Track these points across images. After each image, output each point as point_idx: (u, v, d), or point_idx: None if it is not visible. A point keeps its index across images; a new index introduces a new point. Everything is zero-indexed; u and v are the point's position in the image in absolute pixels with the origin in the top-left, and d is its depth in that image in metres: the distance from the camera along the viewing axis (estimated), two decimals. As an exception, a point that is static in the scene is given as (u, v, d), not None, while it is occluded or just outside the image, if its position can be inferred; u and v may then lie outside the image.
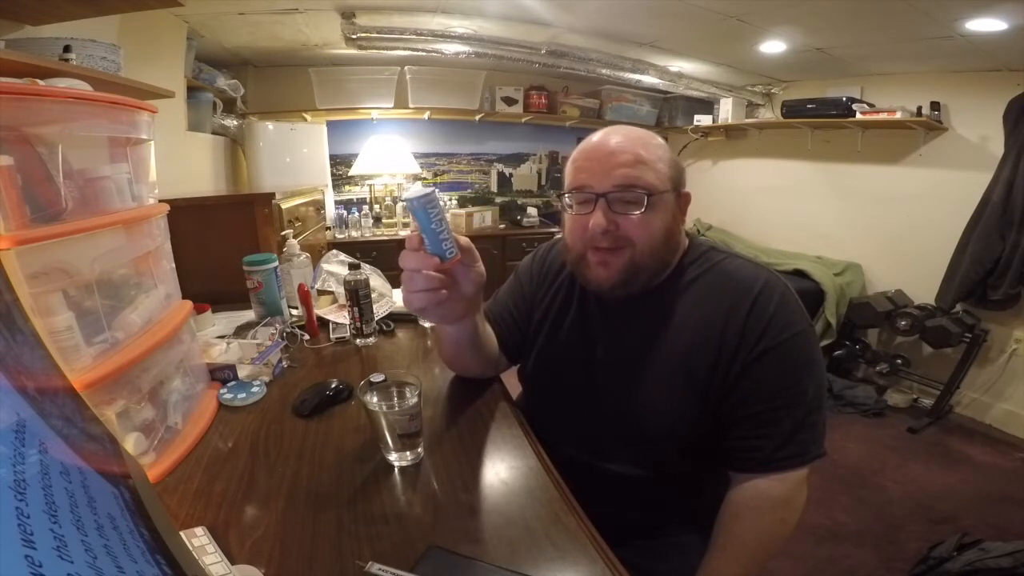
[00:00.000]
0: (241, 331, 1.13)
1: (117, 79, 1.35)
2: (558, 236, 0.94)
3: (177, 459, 0.71)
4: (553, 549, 0.55)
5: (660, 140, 0.76)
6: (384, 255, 2.89)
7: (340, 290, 1.29)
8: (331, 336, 1.17)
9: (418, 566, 0.51)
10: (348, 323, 1.14)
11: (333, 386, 0.88)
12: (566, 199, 0.77)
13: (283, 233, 1.69)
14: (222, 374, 0.94)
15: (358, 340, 1.13)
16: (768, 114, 3.49)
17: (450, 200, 3.73)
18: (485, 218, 3.55)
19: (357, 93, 3.17)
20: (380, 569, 0.50)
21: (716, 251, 0.81)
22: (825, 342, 2.75)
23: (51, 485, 0.25)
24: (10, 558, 0.20)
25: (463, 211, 3.48)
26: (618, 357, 0.80)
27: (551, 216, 3.91)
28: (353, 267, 1.11)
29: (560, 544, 0.56)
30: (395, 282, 0.88)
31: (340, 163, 3.45)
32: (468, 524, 0.59)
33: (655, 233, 0.73)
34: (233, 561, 0.52)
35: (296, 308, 1.27)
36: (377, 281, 1.30)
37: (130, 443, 0.65)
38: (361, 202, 3.52)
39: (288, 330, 1.14)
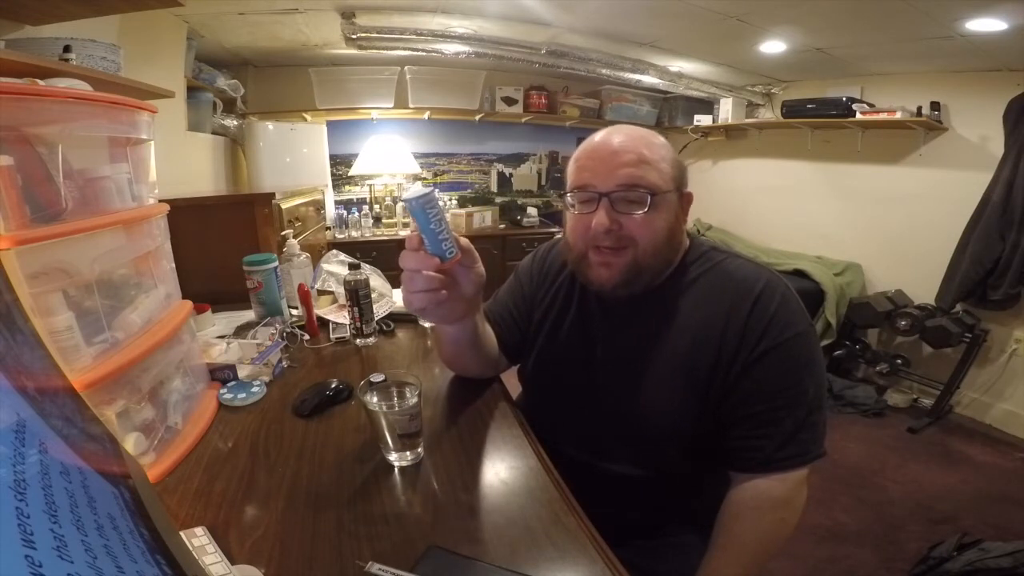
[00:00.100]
0: (241, 331, 1.13)
1: (117, 79, 1.35)
2: (558, 236, 0.94)
3: (177, 459, 0.71)
4: (553, 549, 0.55)
5: (663, 140, 0.76)
6: (384, 255, 2.89)
7: (340, 290, 1.29)
8: (331, 336, 1.17)
9: (418, 566, 0.51)
10: (348, 323, 1.14)
11: (333, 386, 0.88)
12: (568, 198, 0.77)
13: (283, 233, 1.69)
14: (222, 374, 0.94)
15: (358, 340, 1.13)
16: (768, 114, 3.49)
17: (450, 200, 3.73)
18: (485, 218, 3.55)
19: (357, 93, 3.17)
20: (380, 569, 0.50)
21: (717, 251, 0.81)
22: (825, 342, 2.75)
23: (51, 485, 0.25)
24: (10, 558, 0.20)
25: (463, 211, 3.48)
26: (619, 357, 0.80)
27: (551, 216, 3.91)
28: (353, 267, 1.11)
29: (560, 544, 0.56)
30: (395, 282, 0.88)
31: (340, 163, 3.45)
32: (468, 524, 0.59)
33: (658, 233, 0.73)
34: (233, 561, 0.52)
35: (296, 308, 1.27)
36: (377, 281, 1.30)
37: (130, 443, 0.65)
38: (361, 202, 3.52)
39: (288, 330, 1.14)
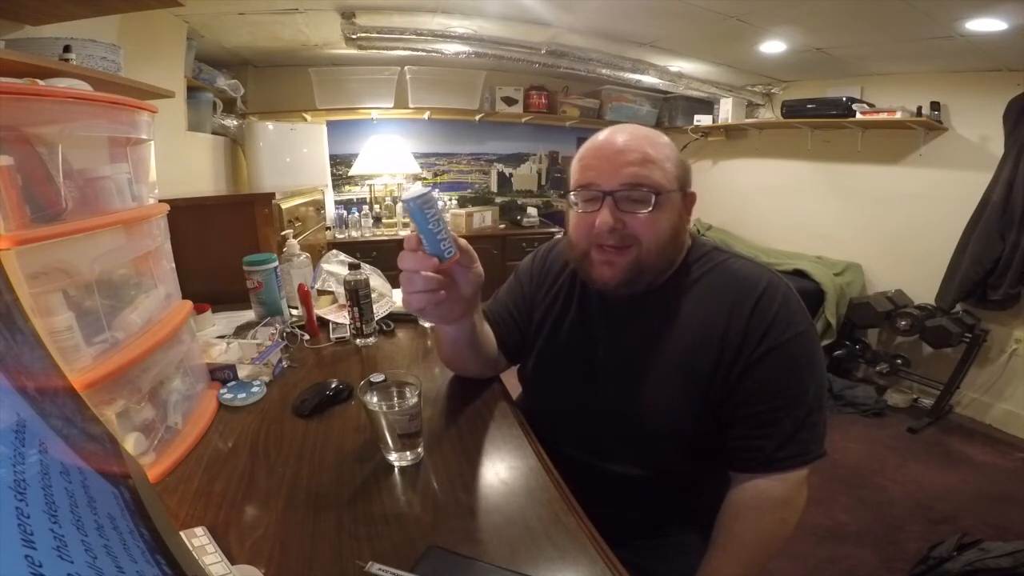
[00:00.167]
0: (241, 331, 1.13)
1: (117, 79, 1.35)
2: (558, 236, 0.94)
3: (177, 459, 0.71)
4: (553, 549, 0.55)
5: (667, 139, 0.76)
6: (384, 255, 2.89)
7: (340, 290, 1.29)
8: (331, 336, 1.17)
9: (418, 566, 0.51)
10: (348, 323, 1.14)
11: (333, 386, 0.88)
12: (572, 197, 0.77)
13: (283, 233, 1.69)
14: (222, 374, 0.94)
15: (358, 340, 1.13)
16: (768, 114, 3.49)
17: (450, 200, 3.73)
18: (485, 218, 3.55)
19: (357, 93, 3.17)
20: (380, 569, 0.50)
21: (719, 251, 0.82)
22: (825, 342, 2.75)
23: (51, 485, 0.25)
24: (10, 558, 0.20)
25: (463, 211, 3.48)
26: (620, 356, 0.80)
27: (551, 216, 3.91)
28: (353, 267, 1.11)
29: (560, 544, 0.56)
30: (395, 282, 0.88)
31: (340, 163, 3.45)
32: (468, 524, 0.59)
33: (661, 232, 0.73)
34: (233, 561, 0.52)
35: (296, 308, 1.27)
36: (377, 281, 1.30)
37: (130, 443, 0.65)
38: (361, 202, 3.52)
39: (288, 330, 1.14)
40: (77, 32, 1.29)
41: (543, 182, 4.06)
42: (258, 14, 2.23)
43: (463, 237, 0.67)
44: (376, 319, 1.17)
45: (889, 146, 2.79)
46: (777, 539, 0.73)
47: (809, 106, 2.89)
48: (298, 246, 1.43)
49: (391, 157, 3.34)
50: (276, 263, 1.20)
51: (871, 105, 2.70)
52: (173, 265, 0.89)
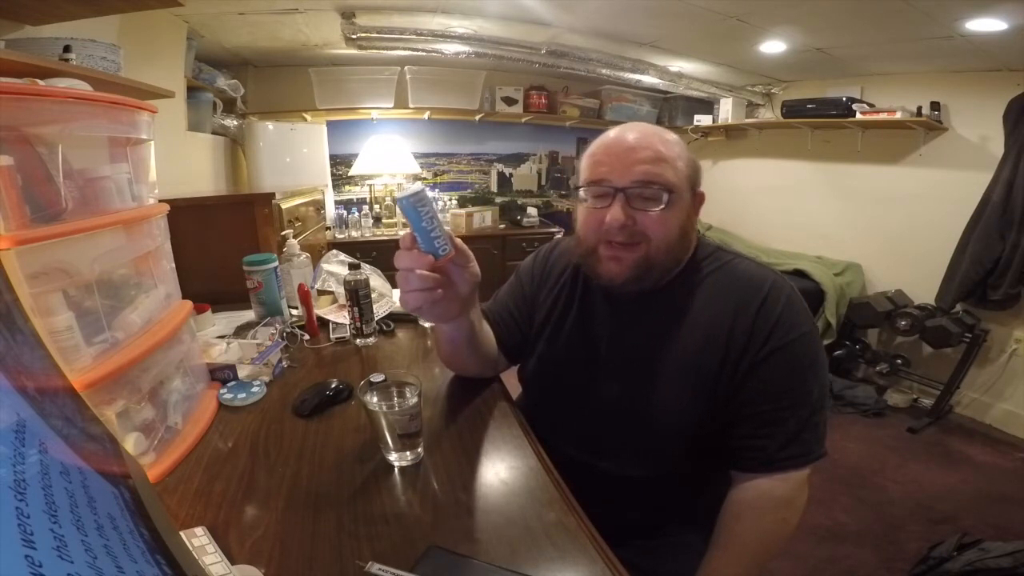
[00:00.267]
0: (241, 331, 1.13)
1: (117, 79, 1.35)
2: (558, 237, 0.94)
3: (177, 459, 0.71)
4: (553, 549, 0.55)
5: (678, 139, 0.76)
6: (384, 255, 2.89)
7: (340, 290, 1.29)
8: (331, 336, 1.17)
9: (418, 566, 0.51)
10: (348, 323, 1.14)
11: (333, 386, 0.88)
12: (581, 192, 0.76)
13: (283, 233, 1.69)
14: (222, 374, 0.94)
15: (358, 340, 1.13)
16: (768, 114, 3.49)
17: (450, 200, 3.73)
18: (485, 218, 3.55)
19: (357, 93, 3.17)
20: (380, 569, 0.50)
21: (724, 251, 0.82)
22: (825, 342, 2.75)
23: (51, 485, 0.25)
24: (10, 558, 0.20)
25: (463, 211, 3.48)
26: (625, 355, 0.80)
27: (551, 216, 3.91)
28: (353, 267, 1.11)
29: (560, 544, 0.56)
30: (395, 282, 0.88)
31: (340, 163, 3.45)
32: (468, 524, 0.59)
33: (671, 231, 0.73)
34: (233, 561, 0.52)
35: (296, 308, 1.27)
36: (377, 281, 1.30)
37: (130, 443, 0.65)
38: (361, 202, 3.52)
39: (288, 330, 1.14)
40: (77, 32, 1.29)
41: (543, 182, 4.06)
42: (258, 14, 2.23)
43: (463, 237, 0.67)
44: (376, 319, 1.17)
45: (889, 146, 2.79)
46: (779, 539, 0.74)
47: (809, 106, 2.89)
48: (298, 246, 1.43)
49: (391, 157, 3.34)
50: (276, 263, 1.20)
51: (871, 105, 2.70)
52: (173, 265, 0.89)
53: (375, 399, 0.70)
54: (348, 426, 0.81)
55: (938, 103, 2.50)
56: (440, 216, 0.64)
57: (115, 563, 0.26)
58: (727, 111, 3.36)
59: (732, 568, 0.72)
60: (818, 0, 1.91)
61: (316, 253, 1.73)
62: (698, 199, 0.77)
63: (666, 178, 0.71)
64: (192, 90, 2.39)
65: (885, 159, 2.83)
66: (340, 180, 3.49)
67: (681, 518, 0.83)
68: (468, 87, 3.34)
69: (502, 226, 3.65)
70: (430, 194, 0.63)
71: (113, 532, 0.27)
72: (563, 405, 0.86)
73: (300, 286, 1.20)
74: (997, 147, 2.33)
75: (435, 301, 0.65)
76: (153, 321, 0.75)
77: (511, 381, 0.95)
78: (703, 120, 3.53)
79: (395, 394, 0.72)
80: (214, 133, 2.67)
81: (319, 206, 2.54)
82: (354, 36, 2.39)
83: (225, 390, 0.90)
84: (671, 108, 3.81)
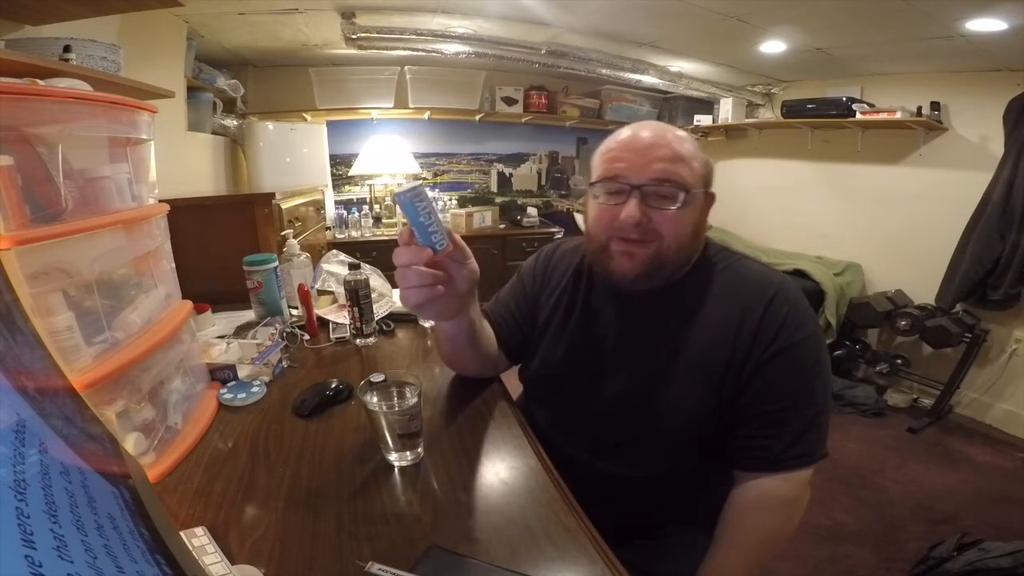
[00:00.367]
0: (241, 331, 1.13)
1: (117, 79, 1.35)
2: (559, 237, 0.94)
3: (177, 459, 0.71)
4: (553, 549, 0.55)
5: (692, 138, 0.76)
6: (384, 255, 2.89)
7: (340, 290, 1.29)
8: (331, 336, 1.17)
9: (418, 566, 0.51)
10: (348, 323, 1.14)
11: (333, 386, 0.88)
12: (596, 188, 0.76)
13: (283, 233, 1.69)
14: (222, 374, 0.94)
15: (358, 340, 1.13)
16: (768, 114, 3.49)
17: (450, 200, 3.73)
18: (485, 218, 3.55)
19: (357, 93, 3.17)
20: (380, 569, 0.50)
21: (730, 251, 0.82)
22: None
23: (51, 485, 0.25)
24: (10, 558, 0.20)
25: (463, 211, 3.48)
26: (632, 355, 0.80)
27: (551, 216, 3.91)
28: (353, 267, 1.11)
29: (560, 544, 0.56)
30: (395, 282, 0.88)
31: (340, 163, 3.45)
32: (468, 524, 0.59)
33: (684, 230, 0.73)
34: (233, 561, 0.52)
35: (296, 308, 1.27)
36: (377, 281, 1.30)
37: (130, 443, 0.65)
38: (361, 202, 3.52)
39: (288, 330, 1.14)
40: (77, 32, 1.29)
41: (543, 182, 4.06)
42: (258, 14, 2.23)
43: (463, 237, 0.67)
44: (376, 319, 1.17)
45: (889, 146, 2.79)
46: (781, 538, 0.74)
47: (809, 106, 2.89)
48: (298, 246, 1.43)
49: (391, 157, 3.34)
50: (276, 263, 1.20)
51: (871, 105, 2.70)
52: (173, 265, 0.89)
53: (375, 399, 0.70)
54: (348, 426, 0.81)
55: (938, 103, 2.50)
56: (440, 215, 0.64)
57: (115, 563, 0.26)
58: (727, 111, 3.36)
59: (735, 566, 0.72)
60: (818, 0, 1.92)
61: (316, 253, 1.73)
62: (709, 199, 0.77)
63: (682, 177, 0.71)
64: (192, 90, 2.39)
65: (885, 159, 2.83)
66: (340, 180, 3.49)
67: (681, 518, 0.83)
68: (468, 87, 3.34)
69: (502, 226, 3.65)
70: (429, 193, 0.63)
71: (113, 532, 0.27)
72: (565, 405, 0.86)
73: (300, 286, 1.20)
74: (997, 147, 2.33)
75: (435, 298, 0.65)
76: (153, 321, 0.75)
77: (511, 381, 0.95)
78: (703, 120, 3.53)
79: (395, 394, 0.72)
80: (214, 133, 2.67)
81: (319, 206, 2.54)
82: (354, 36, 2.39)
83: (225, 390, 0.90)
84: (671, 108, 3.81)
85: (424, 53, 2.68)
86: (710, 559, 0.73)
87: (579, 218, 3.95)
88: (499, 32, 2.59)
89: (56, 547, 0.22)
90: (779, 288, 0.75)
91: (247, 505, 0.62)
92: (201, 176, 2.54)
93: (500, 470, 0.69)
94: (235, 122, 2.86)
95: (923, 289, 2.63)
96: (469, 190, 3.86)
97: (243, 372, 0.96)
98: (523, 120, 3.68)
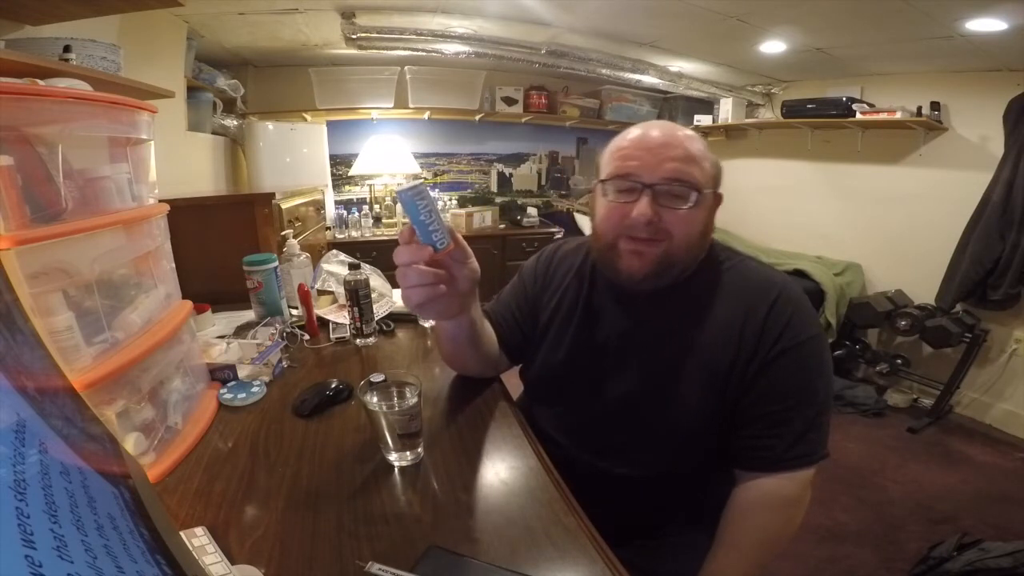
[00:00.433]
0: (241, 331, 1.13)
1: (117, 79, 1.35)
2: (559, 237, 0.94)
3: (177, 459, 0.71)
4: (553, 549, 0.55)
5: (702, 138, 0.76)
6: (384, 255, 2.89)
7: (340, 290, 1.29)
8: (331, 336, 1.17)
9: (418, 566, 0.51)
10: (348, 323, 1.14)
11: (333, 386, 0.88)
12: (606, 186, 0.75)
13: (283, 233, 1.69)
14: (222, 374, 0.94)
15: (358, 340, 1.13)
16: (768, 114, 3.49)
17: (450, 200, 3.73)
18: (485, 218, 3.55)
19: (357, 93, 3.17)
20: (380, 569, 0.50)
21: (733, 252, 0.83)
22: (825, 342, 2.75)
23: (51, 485, 0.25)
24: (10, 558, 0.20)
25: (463, 211, 3.48)
26: (635, 355, 0.79)
27: (551, 216, 3.91)
28: (353, 267, 1.11)
29: (560, 544, 0.56)
30: (395, 282, 0.88)
31: (340, 163, 3.45)
32: (468, 524, 0.59)
33: (693, 230, 0.73)
34: (233, 561, 0.52)
35: (296, 308, 1.27)
36: (377, 281, 1.30)
37: (130, 443, 0.65)
38: (361, 202, 3.52)
39: (288, 330, 1.14)
40: (77, 32, 1.29)
41: (543, 182, 4.06)
42: (258, 14, 2.23)
43: (463, 237, 0.67)
44: (376, 319, 1.17)
45: (889, 146, 2.79)
46: (783, 537, 0.74)
47: (809, 106, 2.89)
48: (298, 246, 1.43)
49: (391, 157, 3.34)
50: (276, 263, 1.20)
51: (871, 105, 2.70)
52: (173, 265, 0.88)
53: (375, 399, 0.70)
54: (348, 426, 0.81)
55: (938, 103, 2.50)
56: (441, 214, 0.64)
57: (115, 563, 0.26)
58: (727, 111, 3.37)
59: (736, 565, 0.72)
60: (818, 0, 1.92)
61: (316, 253, 1.73)
62: (717, 200, 0.77)
63: (695, 177, 0.71)
64: (192, 90, 2.39)
65: (885, 159, 2.83)
66: (340, 180, 3.49)
67: (681, 518, 0.83)
68: (468, 87, 3.34)
69: (502, 226, 3.65)
70: (431, 193, 0.63)
71: (113, 532, 0.27)
72: (567, 405, 0.86)
73: (300, 286, 1.20)
74: (997, 147, 2.33)
75: (436, 297, 0.65)
76: (153, 321, 0.75)
77: (511, 381, 0.95)
78: (703, 120, 3.53)
79: (395, 394, 0.72)
80: (214, 133, 2.67)
81: (319, 206, 2.54)
82: (354, 36, 2.39)
83: (225, 390, 0.90)
84: (671, 108, 3.81)
85: (424, 53, 2.68)
86: (712, 558, 0.73)
87: (579, 218, 3.95)
88: (499, 32, 2.59)
89: (56, 547, 0.22)
90: (783, 289, 0.75)
91: (247, 505, 0.62)
92: (201, 176, 2.54)
93: (500, 470, 0.69)
94: (235, 122, 2.86)
95: (923, 289, 2.63)
96: (469, 190, 3.86)
97: (243, 372, 0.96)
98: (523, 120, 3.68)
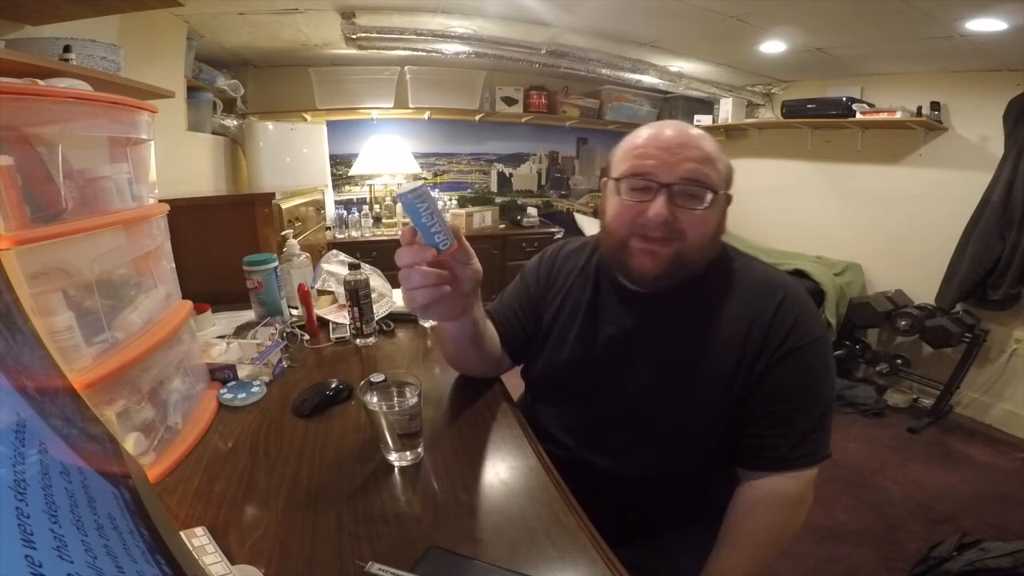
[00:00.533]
0: (241, 331, 1.13)
1: (117, 79, 1.35)
2: (559, 237, 0.94)
3: (177, 459, 0.71)
4: (553, 549, 0.55)
5: (712, 138, 0.76)
6: (384, 255, 2.89)
7: (340, 290, 1.29)
8: (331, 336, 1.17)
9: (418, 566, 0.51)
10: (348, 323, 1.14)
11: (333, 386, 0.88)
12: (621, 184, 0.75)
13: (283, 233, 1.69)
14: (222, 374, 0.94)
15: (358, 340, 1.13)
16: (768, 114, 3.49)
17: (450, 200, 3.73)
18: (485, 218, 3.55)
19: (357, 93, 3.17)
20: (380, 569, 0.50)
21: (740, 253, 0.83)
22: (825, 342, 2.75)
23: (51, 485, 0.25)
24: (10, 558, 0.20)
25: (463, 211, 3.48)
26: (640, 356, 0.79)
27: (551, 216, 3.91)
28: (353, 267, 1.11)
29: (560, 544, 0.56)
30: (395, 282, 0.88)
31: (340, 163, 3.45)
32: (468, 524, 0.59)
33: (707, 230, 0.73)
34: (233, 561, 0.52)
35: (296, 308, 1.27)
36: (377, 281, 1.30)
37: (130, 443, 0.65)
38: (361, 202, 3.52)
39: (288, 330, 1.14)
40: (77, 32, 1.29)
41: (543, 182, 4.06)
42: (258, 14, 2.23)
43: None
44: (376, 319, 1.17)
45: (889, 146, 2.79)
46: (787, 536, 0.74)
47: (809, 106, 2.89)
48: (298, 246, 1.43)
49: (391, 157, 3.34)
50: (276, 263, 1.20)
51: (871, 105, 2.70)
52: (173, 265, 0.88)
53: (375, 399, 0.70)
54: (348, 426, 0.81)
55: (938, 103, 2.50)
56: (443, 214, 0.63)
57: (115, 563, 0.26)
58: (727, 111, 3.37)
59: (742, 564, 0.72)
60: (818, 0, 1.92)
61: (316, 253, 1.73)
62: (727, 200, 0.77)
63: (711, 178, 0.71)
64: (192, 90, 2.39)
65: (885, 159, 2.83)
66: (340, 180, 3.49)
67: (681, 517, 0.83)
68: (468, 87, 3.34)
69: (502, 226, 3.65)
70: (431, 193, 0.62)
71: (113, 532, 0.27)
72: (570, 404, 0.86)
73: (300, 286, 1.20)
74: (997, 147, 2.33)
75: (441, 298, 0.64)
76: (153, 321, 0.75)
77: (511, 381, 0.95)
78: (703, 120, 3.53)
79: (395, 394, 0.72)
80: (214, 133, 2.67)
81: (319, 206, 2.54)
82: (354, 36, 2.39)
83: (225, 390, 0.90)
84: (671, 108, 3.81)
85: (424, 53, 2.68)
86: (716, 557, 0.73)
87: (579, 218, 3.95)
88: (499, 32, 2.59)
89: (56, 547, 0.22)
90: (789, 290, 0.75)
91: (247, 505, 0.62)
92: (201, 176, 2.54)
93: (500, 470, 0.69)
94: (235, 122, 2.86)
95: (923, 289, 2.63)
96: (469, 190, 3.86)
97: (243, 372, 0.96)
98: (523, 120, 3.69)
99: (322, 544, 0.56)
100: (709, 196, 0.71)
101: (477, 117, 3.55)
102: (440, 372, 0.98)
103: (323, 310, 1.27)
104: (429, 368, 1.02)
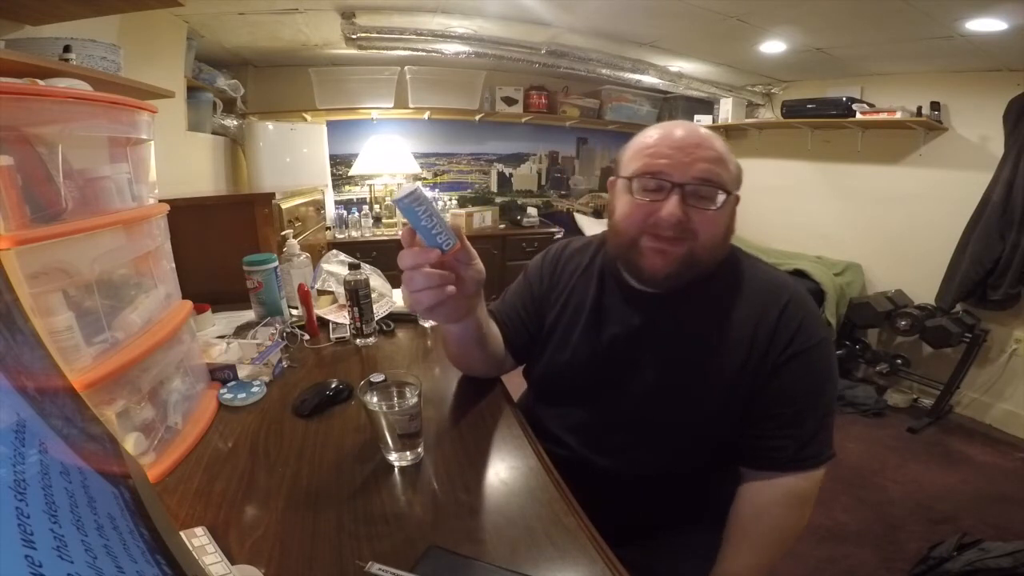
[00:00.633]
0: (241, 331, 1.13)
1: (117, 79, 1.35)
2: (559, 237, 0.93)
3: (177, 459, 0.71)
4: (553, 549, 0.55)
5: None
6: (384, 255, 2.89)
7: (340, 290, 1.29)
8: (331, 336, 1.17)
9: (418, 566, 0.51)
10: (348, 323, 1.14)
11: (333, 386, 0.88)
12: (633, 183, 0.74)
13: (283, 233, 1.69)
14: (222, 374, 0.94)
15: (358, 340, 1.13)
16: (768, 114, 3.49)
17: (450, 200, 3.73)
18: (485, 218, 3.55)
19: (357, 93, 3.17)
20: (380, 569, 0.50)
21: (745, 254, 0.83)
22: (825, 342, 2.75)
23: (51, 485, 0.25)
24: (10, 558, 0.20)
25: (463, 211, 3.48)
26: (644, 356, 0.79)
27: (551, 216, 3.91)
28: (353, 267, 1.11)
29: (560, 544, 0.56)
30: (395, 282, 0.88)
31: (340, 163, 3.45)
32: (468, 524, 0.59)
33: (718, 231, 0.73)
34: (233, 561, 0.52)
35: (296, 308, 1.27)
36: (377, 281, 1.30)
37: (130, 443, 0.65)
38: (361, 202, 3.52)
39: (288, 330, 1.14)
40: (77, 32, 1.29)
41: (543, 182, 4.06)
42: (258, 14, 2.23)
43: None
44: (376, 319, 1.17)
45: (889, 146, 2.79)
46: (794, 535, 0.75)
47: (809, 106, 2.89)
48: (298, 246, 1.43)
49: (391, 157, 3.34)
50: (276, 263, 1.20)
51: (871, 105, 2.70)
52: (173, 265, 0.88)
53: (375, 399, 0.70)
54: (348, 426, 0.81)
55: (938, 103, 2.50)
56: (441, 215, 0.63)
57: (115, 563, 0.26)
58: (727, 111, 3.37)
59: (752, 563, 0.72)
60: (818, 0, 1.92)
61: (316, 253, 1.73)
62: (737, 201, 0.77)
63: (723, 179, 0.72)
64: (192, 90, 2.39)
65: (885, 159, 2.84)
66: (340, 180, 3.49)
67: (682, 517, 0.83)
68: (468, 87, 3.34)
69: (502, 226, 3.65)
70: (428, 193, 0.62)
71: (113, 532, 0.27)
72: (573, 405, 0.86)
73: (300, 286, 1.20)
74: (997, 147, 2.33)
75: (445, 299, 0.63)
76: (153, 321, 0.75)
77: (511, 381, 0.95)
78: (703, 120, 3.53)
79: (395, 394, 0.72)
80: (214, 133, 2.67)
81: (319, 206, 2.55)
82: (354, 36, 2.39)
83: (225, 390, 0.90)
84: (671, 108, 3.81)
85: (424, 53, 2.68)
86: (725, 556, 0.74)
87: (579, 218, 3.95)
88: (499, 32, 2.59)
89: (56, 547, 0.22)
90: (793, 292, 0.76)
91: (247, 505, 0.62)
92: (201, 176, 2.54)
93: (500, 470, 0.69)
94: (235, 122, 2.86)
95: (923, 289, 2.63)
96: (469, 190, 3.86)
97: (243, 372, 0.96)
98: (523, 120, 3.69)
99: (322, 544, 0.56)
100: (721, 197, 0.71)
101: (477, 117, 3.55)
102: (440, 372, 0.98)
103: (323, 310, 1.27)
104: (429, 368, 1.02)
